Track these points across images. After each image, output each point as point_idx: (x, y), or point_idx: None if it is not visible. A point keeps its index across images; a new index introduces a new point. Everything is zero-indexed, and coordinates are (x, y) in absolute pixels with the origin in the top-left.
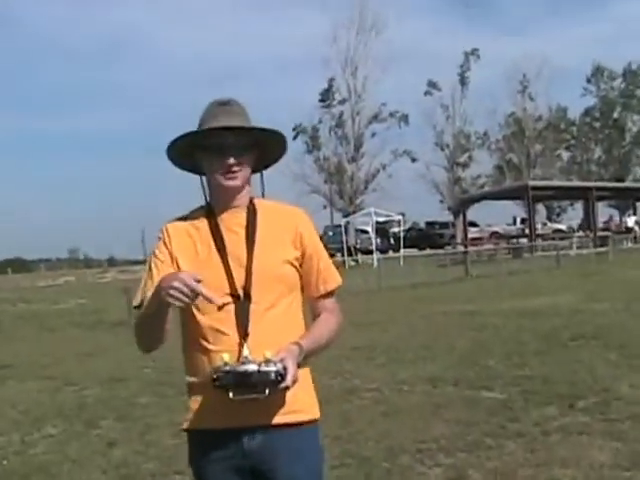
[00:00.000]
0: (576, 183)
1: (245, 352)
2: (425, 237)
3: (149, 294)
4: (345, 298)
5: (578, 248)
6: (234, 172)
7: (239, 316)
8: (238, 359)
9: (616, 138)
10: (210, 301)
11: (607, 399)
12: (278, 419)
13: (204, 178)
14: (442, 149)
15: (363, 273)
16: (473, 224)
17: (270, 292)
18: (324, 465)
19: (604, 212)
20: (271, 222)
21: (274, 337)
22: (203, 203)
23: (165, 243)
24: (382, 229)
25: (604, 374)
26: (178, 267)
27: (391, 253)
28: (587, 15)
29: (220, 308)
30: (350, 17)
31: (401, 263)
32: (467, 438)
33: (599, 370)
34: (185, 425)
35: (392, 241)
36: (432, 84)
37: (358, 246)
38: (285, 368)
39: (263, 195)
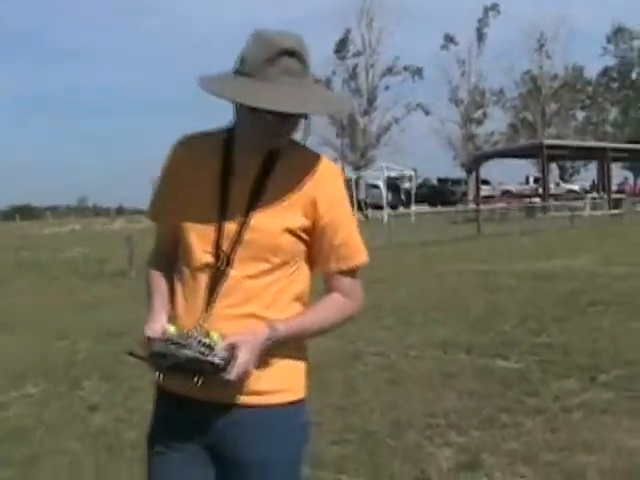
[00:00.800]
0: (592, 143)
1: (197, 327)
2: (437, 194)
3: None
4: None
5: (592, 209)
6: (279, 135)
7: (211, 281)
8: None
9: (633, 99)
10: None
11: (632, 373)
12: (246, 399)
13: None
14: (456, 105)
15: (372, 228)
16: (485, 182)
17: (257, 261)
18: (304, 448)
19: (618, 174)
20: (288, 177)
21: (243, 313)
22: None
23: (171, 162)
24: (393, 184)
25: (627, 344)
26: (174, 195)
27: (402, 209)
28: None
29: (200, 268)
30: None
31: (412, 219)
32: (481, 413)
33: (621, 340)
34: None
35: (403, 197)
36: (449, 38)
37: (368, 201)
38: (232, 357)
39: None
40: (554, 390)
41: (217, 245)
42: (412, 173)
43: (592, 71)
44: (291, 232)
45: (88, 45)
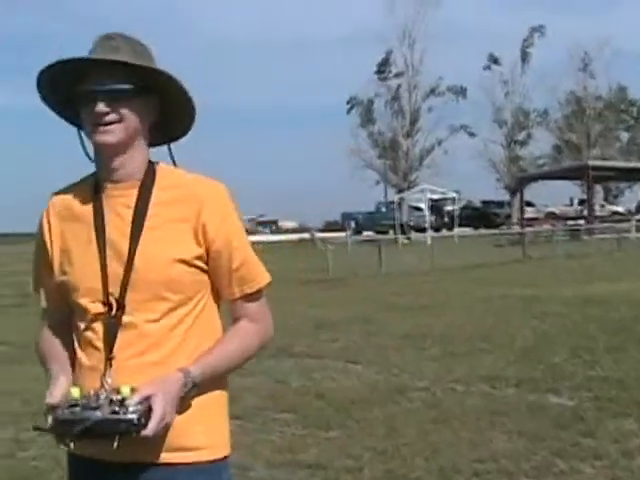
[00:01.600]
0: (637, 164)
1: (104, 385)
2: (480, 216)
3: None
4: (396, 278)
5: (638, 231)
6: (107, 124)
7: (106, 331)
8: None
9: None
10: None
11: None
12: (164, 457)
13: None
14: (500, 126)
15: (415, 252)
16: (529, 204)
17: (154, 301)
18: None
19: None
20: (170, 203)
21: (149, 362)
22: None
23: (43, 228)
24: (436, 207)
25: None
26: (51, 260)
27: (445, 232)
28: None
29: (93, 319)
30: None
31: (455, 242)
32: (533, 458)
33: None
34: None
35: (446, 219)
36: (493, 58)
37: (411, 223)
38: (149, 409)
39: (174, 164)
40: (612, 430)
41: (106, 293)
42: (455, 195)
43: (636, 91)
44: (185, 263)
45: None
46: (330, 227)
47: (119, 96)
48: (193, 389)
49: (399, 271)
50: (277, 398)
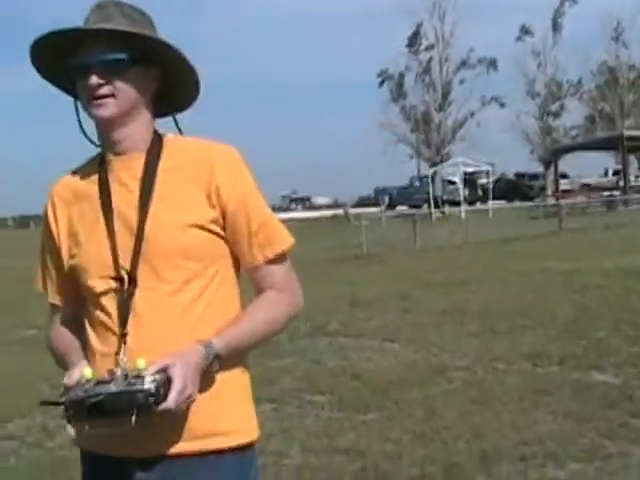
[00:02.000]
0: None
1: (121, 360)
2: (514, 188)
3: (50, 285)
4: (431, 253)
5: None
6: (102, 97)
7: (119, 309)
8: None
9: None
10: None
11: None
12: (184, 446)
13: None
14: (533, 97)
15: (450, 225)
16: (564, 176)
17: (168, 270)
18: None
19: None
20: (179, 170)
21: (167, 339)
22: None
23: (48, 218)
24: (470, 180)
25: None
26: (59, 249)
27: (479, 205)
28: None
29: (104, 298)
30: None
31: (490, 215)
32: (580, 440)
33: None
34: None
35: (480, 192)
36: (525, 30)
37: (445, 197)
38: (168, 381)
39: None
40: None
41: (117, 267)
42: (489, 168)
43: None
44: (200, 227)
45: None
46: (363, 202)
47: (113, 67)
48: (215, 363)
49: (434, 246)
50: (312, 379)
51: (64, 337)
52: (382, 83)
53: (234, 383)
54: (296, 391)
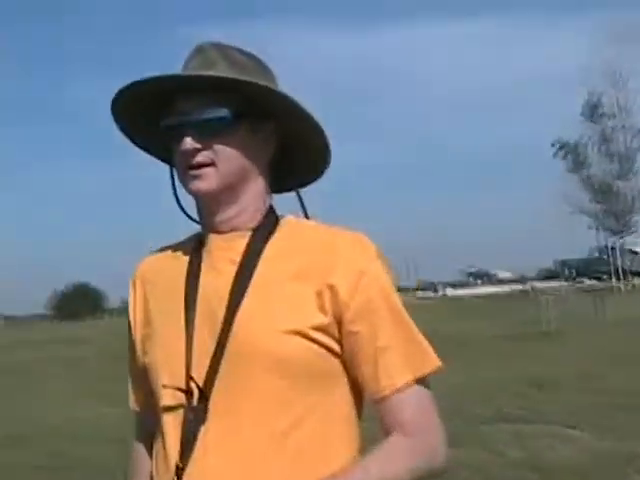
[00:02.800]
0: None
1: None
2: None
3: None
4: (620, 327)
5: None
6: (199, 166)
7: (183, 430)
8: None
9: None
10: None
11: None
12: None
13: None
14: None
15: (638, 298)
16: None
17: (252, 388)
18: None
19: None
20: (286, 255)
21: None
22: None
23: (129, 304)
24: None
25: None
26: (135, 342)
27: None
28: None
29: (168, 410)
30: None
31: None
32: None
33: None
34: None
35: None
36: None
37: (632, 269)
38: None
39: (306, 216)
40: None
41: (188, 376)
42: None
43: None
44: (303, 335)
45: None
46: (545, 275)
47: (212, 127)
48: None
49: (622, 320)
50: (488, 471)
51: (136, 457)
52: (559, 152)
53: None
54: None
